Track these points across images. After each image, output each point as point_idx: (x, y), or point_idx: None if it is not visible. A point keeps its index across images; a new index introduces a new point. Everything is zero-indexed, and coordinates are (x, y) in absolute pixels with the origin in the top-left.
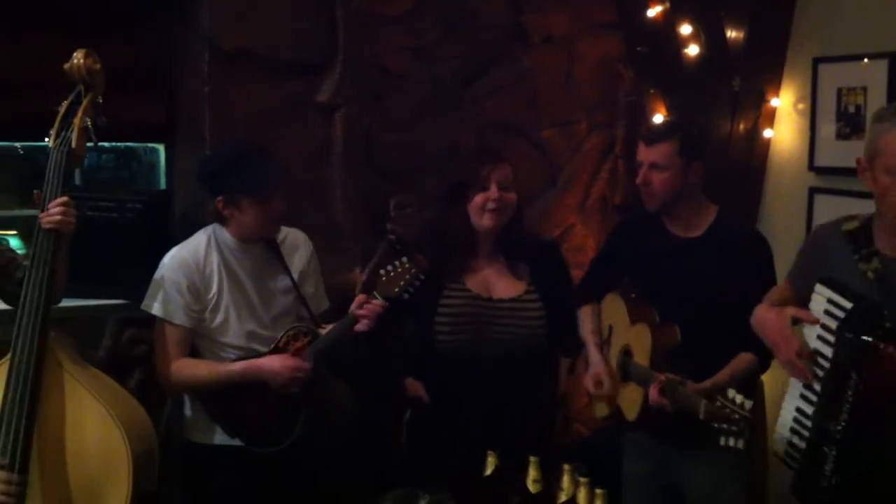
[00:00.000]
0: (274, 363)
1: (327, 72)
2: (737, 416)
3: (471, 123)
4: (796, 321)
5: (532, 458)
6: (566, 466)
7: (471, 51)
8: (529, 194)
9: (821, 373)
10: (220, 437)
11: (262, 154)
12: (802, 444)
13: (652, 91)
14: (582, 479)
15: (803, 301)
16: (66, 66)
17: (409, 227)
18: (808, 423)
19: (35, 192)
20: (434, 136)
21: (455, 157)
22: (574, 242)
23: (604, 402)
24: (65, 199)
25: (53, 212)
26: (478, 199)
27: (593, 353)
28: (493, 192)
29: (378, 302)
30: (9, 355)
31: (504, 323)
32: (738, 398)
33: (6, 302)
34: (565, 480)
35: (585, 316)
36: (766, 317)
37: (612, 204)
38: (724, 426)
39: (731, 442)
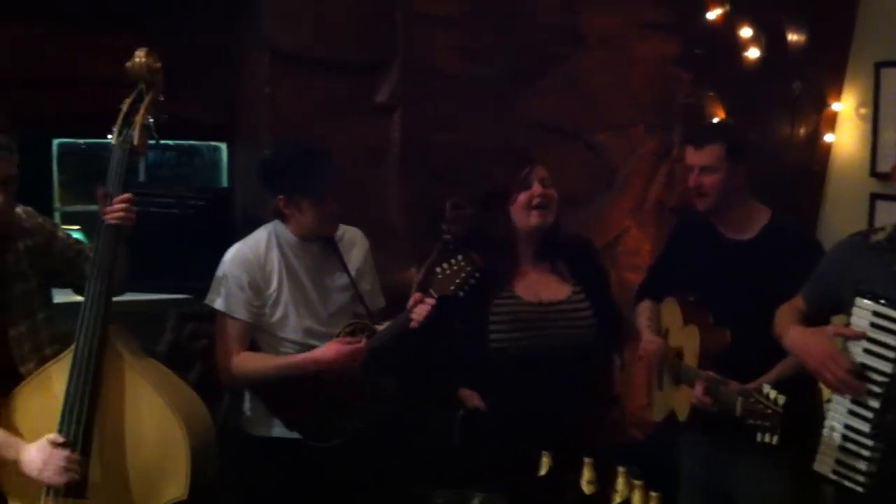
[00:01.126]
0: (329, 351)
1: (385, 72)
2: (769, 412)
3: (525, 125)
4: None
5: (587, 460)
6: (621, 468)
7: (525, 52)
8: (585, 197)
9: (876, 388)
10: (278, 430)
11: (321, 154)
12: (859, 463)
13: (710, 94)
14: (636, 482)
15: (818, 318)
16: (128, 64)
17: (464, 227)
18: (869, 442)
19: (98, 190)
20: (487, 138)
21: (498, 164)
22: (629, 245)
23: (658, 401)
24: (128, 195)
25: (116, 208)
26: (522, 197)
27: (645, 331)
28: (537, 188)
29: (430, 299)
30: (72, 346)
31: (556, 326)
32: (772, 394)
33: (76, 293)
34: (620, 482)
35: (642, 309)
36: (807, 338)
37: (668, 207)
38: (759, 422)
39: (767, 438)
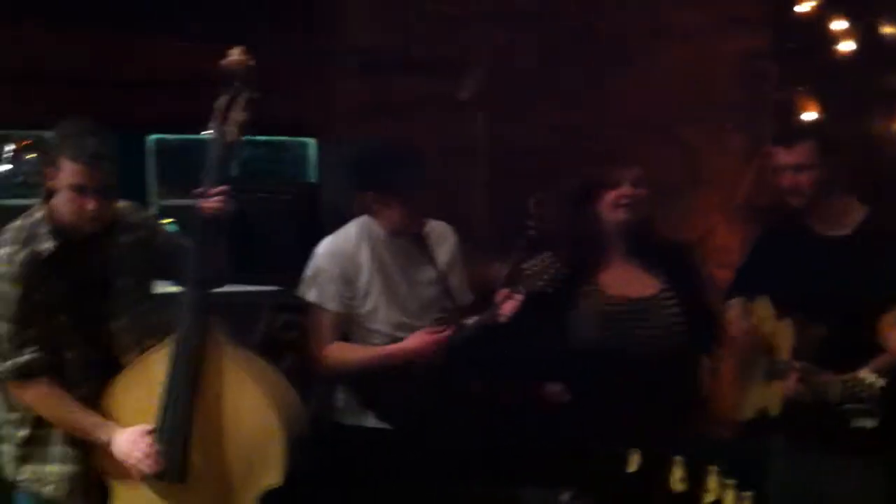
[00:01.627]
0: (415, 340)
1: (467, 69)
2: (867, 394)
3: (607, 121)
4: None
5: (676, 458)
6: (711, 468)
7: (608, 47)
8: (671, 194)
9: None
10: (368, 420)
11: (410, 153)
12: None
13: (801, 89)
14: (727, 482)
15: None
16: (224, 63)
17: (549, 224)
18: None
19: (194, 190)
20: (570, 134)
21: (581, 159)
22: (717, 242)
23: (749, 399)
24: (223, 187)
25: (212, 200)
26: (610, 195)
27: (735, 321)
28: (626, 188)
29: (520, 296)
30: (172, 336)
31: (642, 323)
32: (869, 378)
33: (176, 285)
34: (711, 482)
35: (733, 313)
36: None
37: (758, 204)
38: (857, 406)
39: (863, 422)
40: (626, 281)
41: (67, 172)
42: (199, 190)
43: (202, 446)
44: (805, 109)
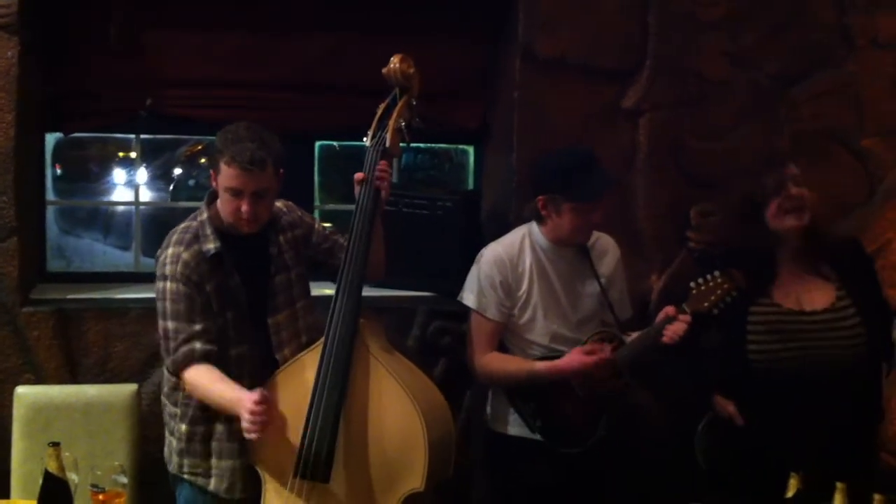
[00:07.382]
0: (571, 361)
1: (637, 78)
2: None
3: (787, 130)
4: None
5: (839, 485)
6: (878, 497)
7: (791, 55)
8: (846, 206)
9: None
10: (520, 430)
11: (594, 163)
12: None
13: None
14: None
15: None
16: (384, 70)
17: (711, 235)
18: None
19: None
20: (749, 143)
21: (754, 172)
22: (893, 259)
23: None
24: (383, 165)
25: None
26: (773, 205)
27: None
28: (788, 189)
29: (686, 317)
30: (323, 338)
31: (820, 336)
32: None
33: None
34: None
35: None
36: None
37: None
38: None
39: None
40: (800, 291)
41: (224, 176)
42: (359, 177)
43: (347, 446)
44: None
